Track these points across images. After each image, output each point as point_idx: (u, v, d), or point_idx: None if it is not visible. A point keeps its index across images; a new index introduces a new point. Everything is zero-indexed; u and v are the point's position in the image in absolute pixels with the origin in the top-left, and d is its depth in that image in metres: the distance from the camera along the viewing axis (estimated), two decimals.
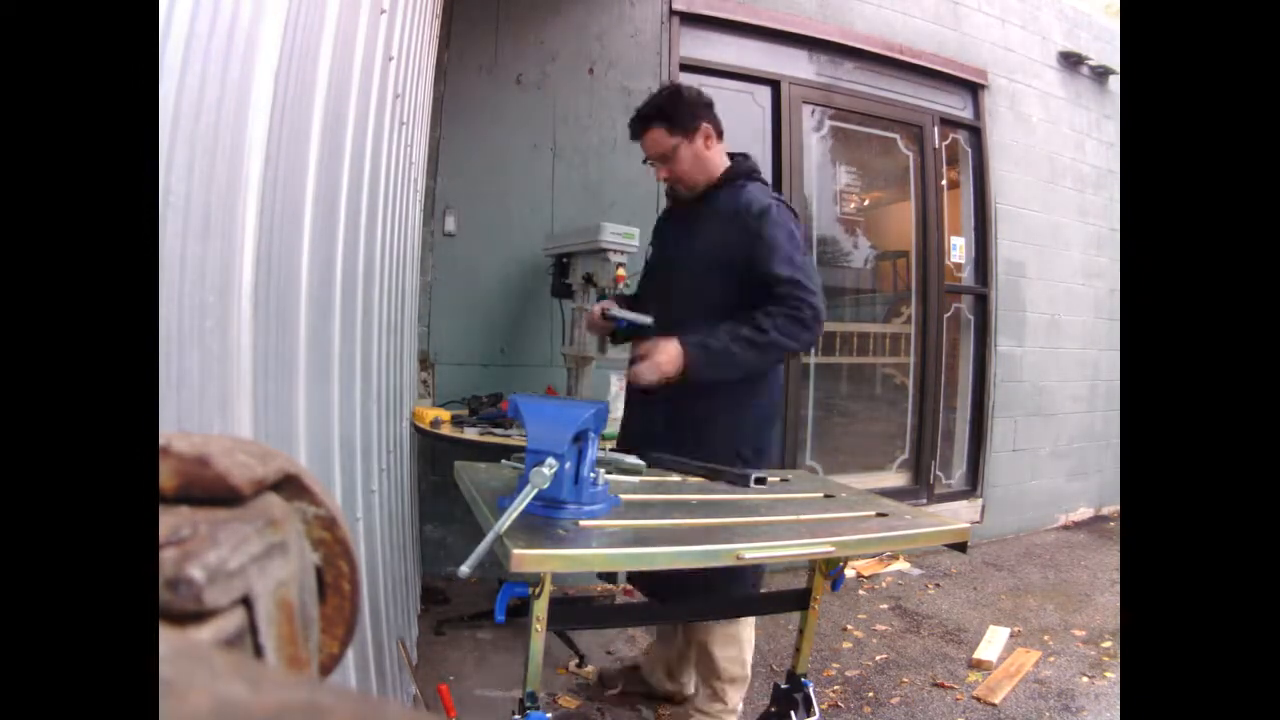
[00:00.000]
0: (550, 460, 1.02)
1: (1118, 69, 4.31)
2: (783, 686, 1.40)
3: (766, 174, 3.41)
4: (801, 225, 1.82)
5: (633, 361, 1.64)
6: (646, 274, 1.93)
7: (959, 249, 3.89)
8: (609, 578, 1.52)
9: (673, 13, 3.17)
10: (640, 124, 1.78)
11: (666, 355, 1.59)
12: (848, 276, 3.78)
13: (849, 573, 2.15)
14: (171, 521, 0.21)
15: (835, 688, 2.22)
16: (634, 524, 1.06)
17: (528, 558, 0.89)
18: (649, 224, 3.07)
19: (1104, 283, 4.36)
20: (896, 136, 3.78)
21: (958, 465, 3.96)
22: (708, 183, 1.78)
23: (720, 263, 1.71)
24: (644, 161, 1.81)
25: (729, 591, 1.64)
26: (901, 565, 3.35)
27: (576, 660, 2.21)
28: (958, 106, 3.89)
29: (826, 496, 1.35)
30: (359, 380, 1.20)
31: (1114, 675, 2.34)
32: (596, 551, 0.94)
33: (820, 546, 1.10)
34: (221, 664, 0.15)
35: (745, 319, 1.63)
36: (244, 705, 0.13)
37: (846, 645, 2.54)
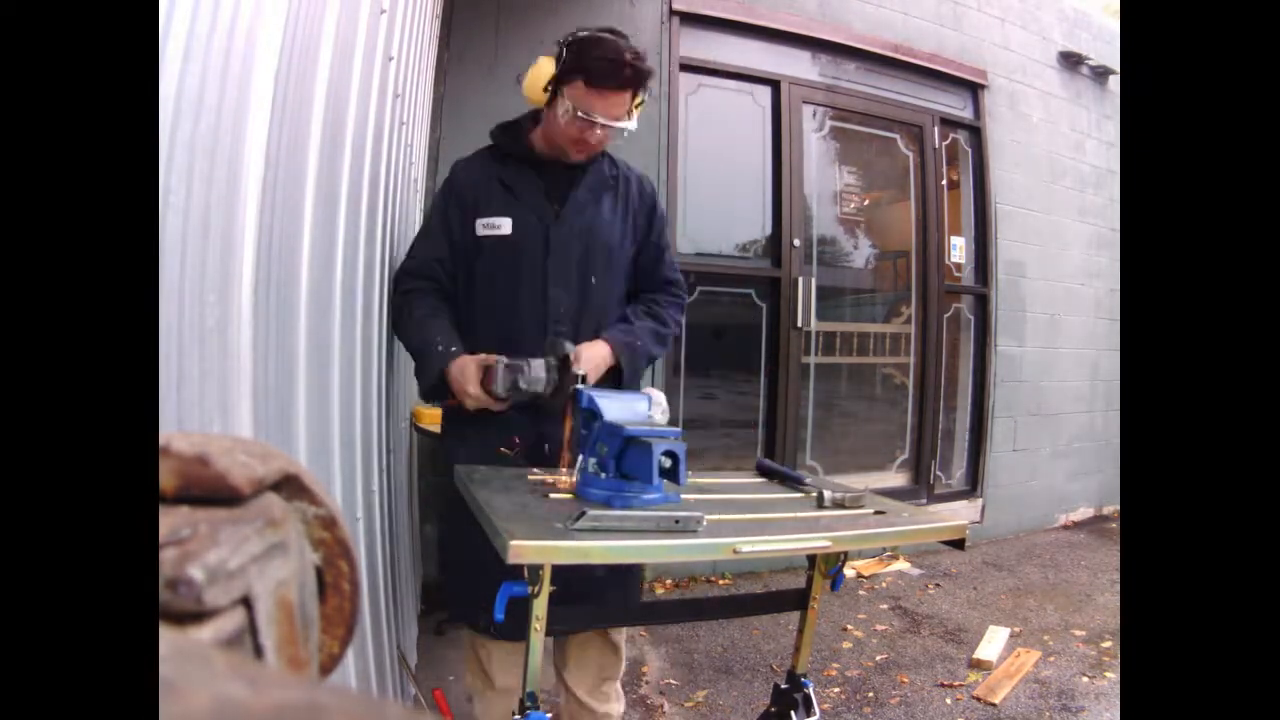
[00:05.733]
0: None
1: (1118, 69, 4.31)
2: (782, 686, 1.40)
3: (767, 174, 3.46)
4: None
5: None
6: (504, 253, 1.47)
7: (959, 249, 3.89)
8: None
9: (673, 13, 3.17)
10: (631, 82, 1.39)
11: (594, 363, 1.39)
12: (848, 276, 3.78)
13: (849, 573, 2.15)
14: (171, 521, 0.21)
15: (835, 688, 2.22)
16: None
17: (526, 549, 0.89)
18: None
19: (1104, 283, 4.36)
20: (896, 136, 3.78)
21: (958, 465, 3.96)
22: None
23: (629, 241, 1.55)
24: (584, 121, 1.39)
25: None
26: (902, 565, 3.35)
27: None
28: (958, 106, 3.89)
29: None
30: (359, 380, 1.20)
31: (1114, 675, 2.34)
32: (595, 544, 0.94)
33: (816, 541, 1.10)
34: (221, 664, 0.15)
35: (646, 309, 1.54)
36: (244, 705, 0.13)
37: (846, 645, 2.54)
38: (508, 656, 1.49)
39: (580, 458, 1.18)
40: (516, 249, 1.46)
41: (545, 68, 1.42)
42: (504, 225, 1.47)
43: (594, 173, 1.53)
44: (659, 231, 1.60)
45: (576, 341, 1.42)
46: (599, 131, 1.41)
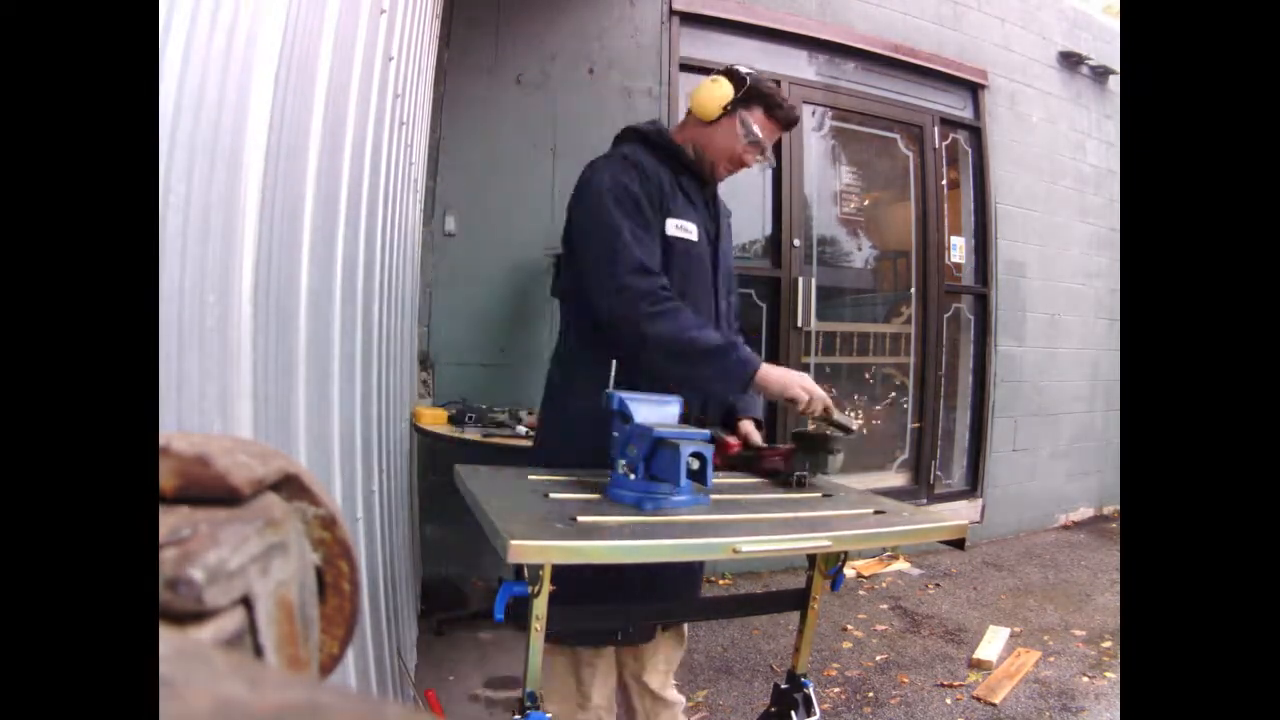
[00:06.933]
0: None
1: (1118, 69, 4.31)
2: (783, 686, 1.40)
3: (767, 174, 3.45)
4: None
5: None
6: (693, 260, 1.54)
7: (959, 249, 3.89)
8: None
9: (673, 13, 3.17)
10: (791, 127, 1.64)
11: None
12: (848, 276, 3.78)
13: (849, 573, 2.15)
14: (171, 521, 0.21)
15: (835, 688, 2.22)
16: (632, 518, 1.06)
17: (527, 548, 0.89)
18: None
19: (1104, 283, 4.36)
20: (896, 136, 3.78)
21: (958, 465, 3.96)
22: None
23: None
24: (755, 145, 1.56)
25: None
26: (901, 565, 3.35)
27: None
28: (958, 106, 3.89)
29: (825, 495, 1.35)
30: (359, 380, 1.20)
31: (1114, 675, 2.34)
32: (595, 544, 0.94)
33: (817, 541, 1.10)
34: (221, 664, 0.15)
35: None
36: (244, 705, 0.13)
37: (846, 645, 2.54)
38: (608, 677, 1.53)
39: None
40: (699, 257, 1.53)
41: (726, 88, 1.52)
42: (693, 231, 1.52)
43: (719, 199, 1.64)
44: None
45: None
46: (758, 157, 1.57)
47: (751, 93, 1.53)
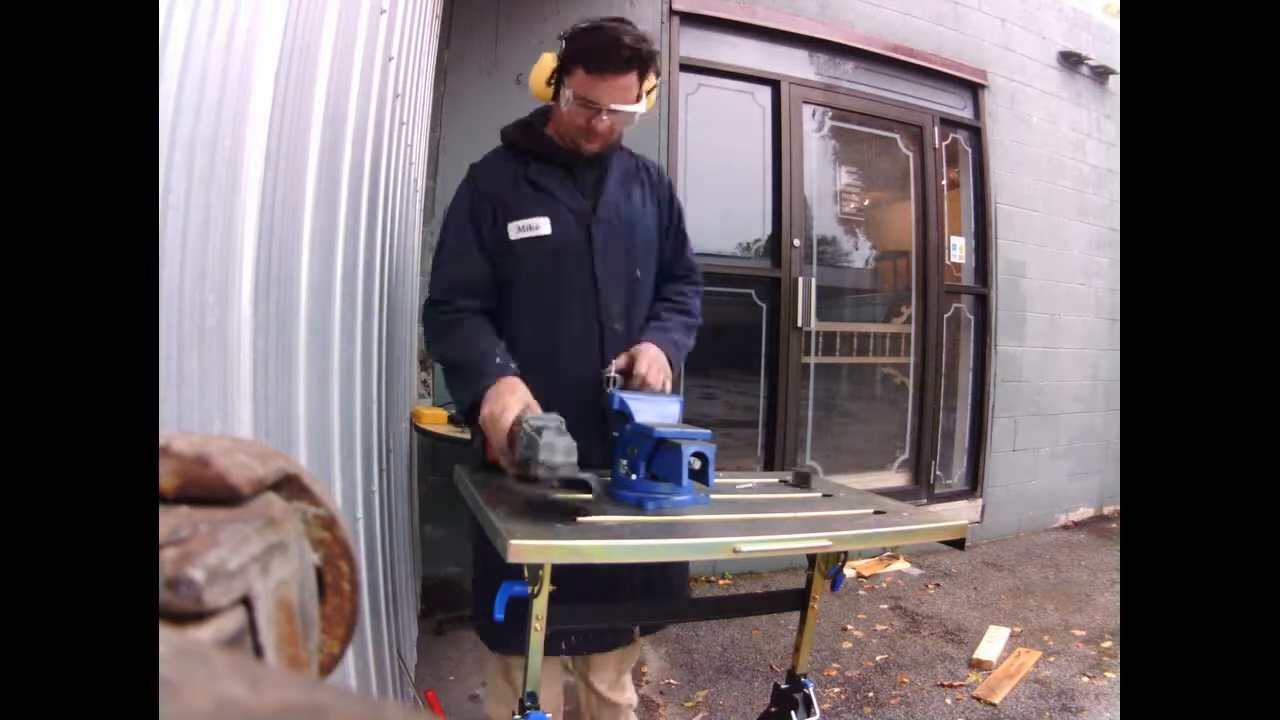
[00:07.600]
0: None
1: (1118, 69, 4.31)
2: (783, 686, 1.40)
3: (767, 174, 3.45)
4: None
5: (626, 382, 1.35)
6: (547, 255, 1.41)
7: (959, 249, 3.89)
8: None
9: (673, 13, 3.17)
10: (632, 63, 1.33)
11: (664, 374, 1.38)
12: (848, 276, 3.78)
13: (849, 573, 2.15)
14: (171, 521, 0.21)
15: (835, 688, 2.22)
16: (632, 519, 1.06)
17: (526, 548, 0.89)
18: None
19: (1104, 283, 4.36)
20: (896, 136, 3.78)
21: (958, 465, 3.96)
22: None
23: (655, 231, 1.52)
24: (586, 107, 1.36)
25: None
26: (902, 565, 3.35)
27: None
28: (958, 106, 3.89)
29: (825, 496, 1.35)
30: (359, 380, 1.20)
31: (1114, 675, 2.34)
32: (595, 543, 0.94)
33: (817, 541, 1.10)
34: (221, 664, 0.15)
35: (673, 304, 1.51)
36: (244, 705, 0.13)
37: (846, 645, 2.54)
38: (553, 679, 1.50)
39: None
40: (558, 250, 1.40)
41: (548, 62, 1.40)
42: (542, 225, 1.40)
43: (619, 165, 1.49)
44: (680, 216, 1.58)
45: (627, 339, 1.41)
46: (605, 117, 1.36)
47: (566, 58, 1.37)
